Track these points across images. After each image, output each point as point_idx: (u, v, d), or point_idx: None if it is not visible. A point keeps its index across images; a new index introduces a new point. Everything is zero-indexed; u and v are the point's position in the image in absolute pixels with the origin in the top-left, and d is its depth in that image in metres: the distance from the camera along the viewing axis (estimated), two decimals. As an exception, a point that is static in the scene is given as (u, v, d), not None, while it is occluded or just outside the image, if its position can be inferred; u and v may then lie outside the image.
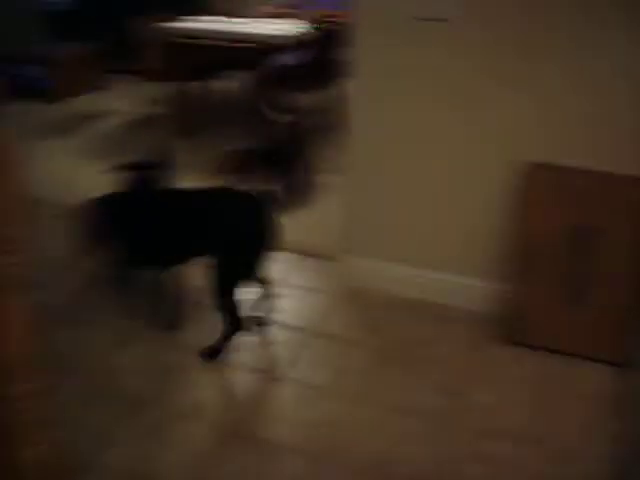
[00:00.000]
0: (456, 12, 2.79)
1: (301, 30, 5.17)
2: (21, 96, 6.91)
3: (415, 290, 3.26)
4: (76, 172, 4.84)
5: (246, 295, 2.86)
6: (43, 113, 6.22)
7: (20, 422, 1.49)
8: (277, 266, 3.57)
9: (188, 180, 3.11)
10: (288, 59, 5.71)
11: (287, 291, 3.35)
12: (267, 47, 5.00)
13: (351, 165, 3.24)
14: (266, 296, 3.04)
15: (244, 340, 2.92)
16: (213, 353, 2.81)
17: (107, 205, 2.83)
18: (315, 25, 5.44)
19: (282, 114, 4.67)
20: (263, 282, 2.98)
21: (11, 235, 1.37)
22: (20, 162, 1.34)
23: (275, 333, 3.01)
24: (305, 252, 3.71)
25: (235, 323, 2.72)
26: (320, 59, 5.18)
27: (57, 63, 6.70)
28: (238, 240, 2.66)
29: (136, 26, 5.68)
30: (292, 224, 4.00)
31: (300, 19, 5.66)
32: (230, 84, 6.44)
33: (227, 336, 2.76)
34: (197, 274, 3.09)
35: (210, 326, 2.90)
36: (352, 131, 3.19)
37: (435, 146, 3.03)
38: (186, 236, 2.73)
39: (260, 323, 3.03)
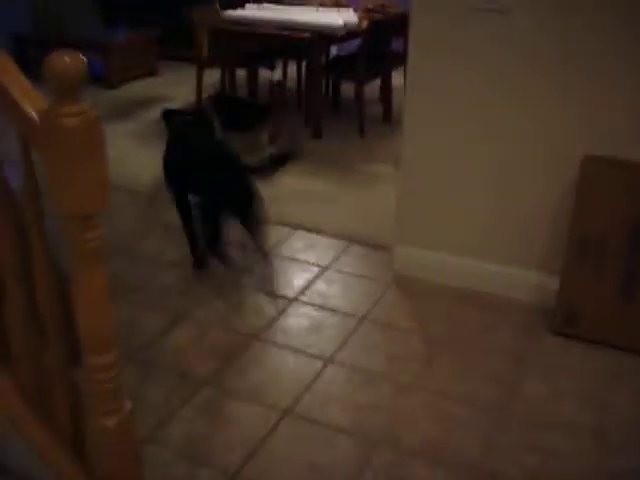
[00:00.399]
0: (509, 3, 2.78)
1: (353, 19, 5.15)
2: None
3: (466, 280, 3.26)
4: (130, 155, 4.92)
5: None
6: (98, 98, 6.29)
7: (103, 390, 1.54)
8: (325, 251, 3.60)
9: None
10: (340, 49, 5.72)
11: (336, 276, 3.37)
12: (319, 36, 5.00)
13: (404, 154, 3.25)
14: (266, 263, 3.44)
15: (294, 323, 2.96)
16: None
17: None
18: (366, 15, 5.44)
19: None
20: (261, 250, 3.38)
21: (95, 213, 1.41)
22: (104, 143, 1.38)
23: (325, 317, 3.03)
24: (355, 239, 3.73)
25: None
26: (373, 49, 5.17)
27: (112, 49, 6.79)
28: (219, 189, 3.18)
29: (190, 13, 5.72)
30: (342, 211, 4.06)
31: (352, 8, 5.64)
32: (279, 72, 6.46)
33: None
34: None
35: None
36: (406, 121, 3.19)
37: (490, 136, 3.03)
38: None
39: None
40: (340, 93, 5.95)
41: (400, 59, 5.81)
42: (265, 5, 5.63)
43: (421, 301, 3.19)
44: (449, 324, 3.00)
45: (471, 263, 3.24)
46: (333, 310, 3.09)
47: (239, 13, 5.40)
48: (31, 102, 1.43)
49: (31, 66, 7.11)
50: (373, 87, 5.78)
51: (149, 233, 3.81)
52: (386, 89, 5.70)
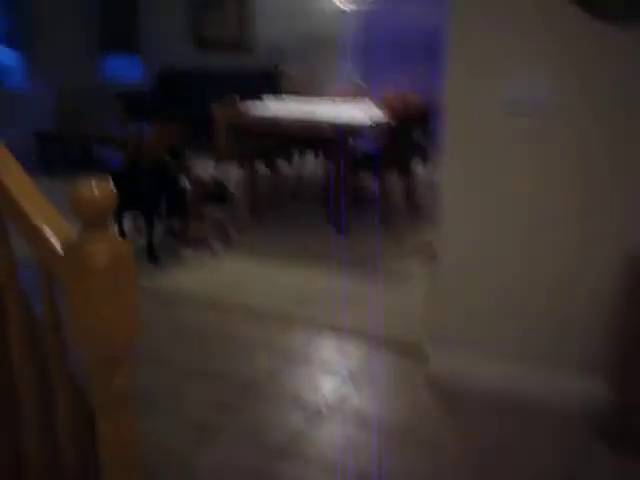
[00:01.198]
0: (544, 109, 2.70)
1: (374, 112, 5.12)
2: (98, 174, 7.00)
3: (502, 383, 3.06)
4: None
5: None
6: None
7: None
8: (355, 354, 3.43)
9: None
10: (362, 143, 5.68)
11: (366, 382, 3.19)
12: (344, 132, 4.95)
13: (438, 250, 3.11)
14: None
15: (324, 438, 2.77)
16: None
17: None
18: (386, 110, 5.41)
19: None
20: None
21: (122, 357, 1.28)
22: (135, 278, 1.25)
23: (357, 431, 2.84)
24: (385, 341, 3.56)
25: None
26: (396, 143, 5.11)
27: (129, 143, 6.79)
28: None
29: (210, 107, 5.73)
30: (371, 310, 3.92)
31: (373, 100, 5.63)
32: (300, 166, 6.42)
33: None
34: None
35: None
36: (441, 216, 3.07)
37: (527, 234, 2.89)
38: None
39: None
40: (363, 186, 5.88)
41: (421, 149, 5.78)
42: (285, 99, 5.62)
43: (453, 408, 2.99)
44: (483, 436, 2.79)
45: (507, 365, 3.05)
46: (365, 422, 2.90)
47: (259, 108, 5.39)
48: (55, 229, 1.31)
49: (51, 162, 7.25)
50: (395, 178, 5.71)
51: (178, 338, 3.67)
52: (409, 180, 5.63)
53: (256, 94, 6.44)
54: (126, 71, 9.75)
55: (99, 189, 1.18)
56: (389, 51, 7.76)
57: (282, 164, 6.07)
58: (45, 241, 1.28)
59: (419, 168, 5.72)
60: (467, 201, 2.99)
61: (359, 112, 5.08)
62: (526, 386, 3.02)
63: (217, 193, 5.02)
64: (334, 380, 3.21)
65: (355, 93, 5.93)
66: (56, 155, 7.63)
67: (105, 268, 1.19)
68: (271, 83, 8.05)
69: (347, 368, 3.31)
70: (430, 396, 3.09)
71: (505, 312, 3.03)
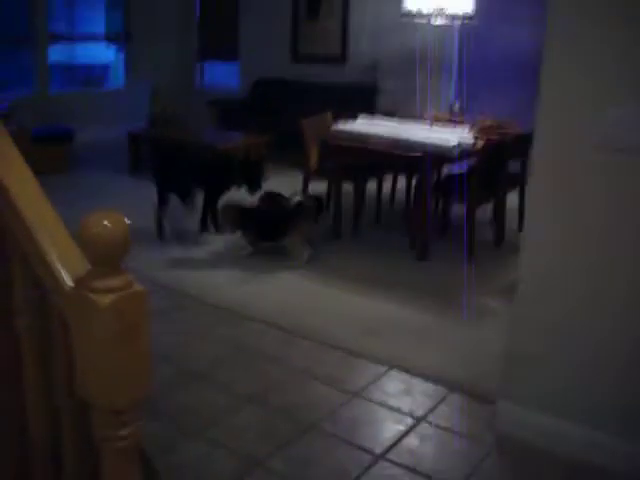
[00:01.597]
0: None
1: (468, 139, 4.87)
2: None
3: (581, 450, 2.78)
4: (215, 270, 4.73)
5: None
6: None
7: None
8: (421, 399, 3.21)
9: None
10: (452, 168, 5.44)
11: (430, 431, 2.96)
12: (431, 156, 4.73)
13: (520, 289, 2.85)
14: None
15: None
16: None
17: None
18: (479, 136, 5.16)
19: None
20: None
21: (129, 407, 1.12)
22: (146, 323, 1.09)
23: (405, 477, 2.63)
24: (455, 387, 3.31)
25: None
26: (487, 170, 4.85)
27: (222, 150, 6.75)
28: None
29: (302, 122, 5.61)
30: (443, 350, 3.68)
31: (466, 127, 5.37)
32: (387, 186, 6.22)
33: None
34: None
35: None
36: (525, 250, 2.82)
37: (624, 278, 2.61)
38: None
39: None
40: (449, 214, 5.62)
41: (516, 181, 5.49)
42: (376, 120, 5.44)
43: (525, 475, 2.74)
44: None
45: (589, 432, 2.76)
46: (425, 475, 2.68)
47: (350, 127, 5.22)
48: (66, 260, 1.17)
49: (142, 163, 7.31)
50: (485, 207, 5.43)
51: (227, 358, 3.54)
52: (499, 212, 5.34)
53: (351, 110, 6.27)
54: (222, 79, 9.81)
55: (112, 224, 1.03)
56: (490, 73, 7.48)
57: (371, 185, 5.88)
58: (53, 272, 1.14)
59: (511, 198, 5.42)
60: (552, 237, 2.73)
61: (451, 137, 4.84)
62: (608, 456, 2.73)
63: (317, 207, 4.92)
64: (395, 427, 2.99)
65: (453, 118, 5.68)
66: (146, 156, 7.68)
67: (110, 310, 1.04)
68: (366, 99, 7.89)
69: (411, 414, 3.08)
70: (497, 456, 2.84)
71: (589, 370, 2.75)
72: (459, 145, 4.73)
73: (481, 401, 3.19)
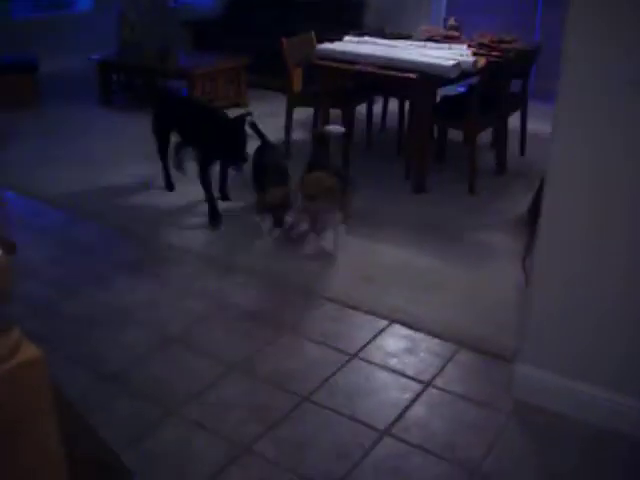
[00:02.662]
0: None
1: (468, 59, 4.37)
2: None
3: (609, 418, 2.43)
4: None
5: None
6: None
7: None
8: (427, 358, 2.84)
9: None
10: (450, 90, 4.95)
11: (438, 398, 2.61)
12: (428, 78, 4.24)
13: (542, 239, 2.45)
14: None
15: (384, 466, 2.22)
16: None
17: None
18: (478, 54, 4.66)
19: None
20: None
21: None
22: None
23: (424, 461, 2.28)
24: (464, 342, 2.94)
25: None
26: (489, 92, 4.38)
27: (197, 76, 6.21)
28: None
29: (282, 42, 5.08)
30: (449, 298, 3.30)
31: (463, 44, 4.86)
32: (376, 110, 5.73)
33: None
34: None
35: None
36: (546, 199, 2.41)
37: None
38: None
39: None
40: (446, 139, 5.15)
41: (518, 102, 5.02)
42: (366, 39, 4.90)
43: (547, 446, 2.39)
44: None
45: (615, 397, 2.41)
46: (436, 455, 2.33)
47: (336, 47, 4.70)
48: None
49: (112, 91, 6.76)
50: (485, 132, 4.98)
51: (208, 318, 3.15)
52: (501, 136, 4.89)
53: (335, 28, 5.74)
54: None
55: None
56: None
57: (360, 109, 5.38)
58: None
59: (512, 120, 4.96)
60: (578, 191, 2.31)
61: (449, 57, 4.34)
62: (632, 421, 2.39)
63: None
64: (399, 396, 2.63)
65: (448, 34, 5.14)
66: (118, 86, 7.12)
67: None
68: (352, 15, 7.30)
69: (417, 378, 2.72)
70: (514, 425, 2.49)
71: (612, 335, 2.38)
72: (458, 65, 4.23)
73: (494, 359, 2.83)
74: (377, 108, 5.66)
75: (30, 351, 0.68)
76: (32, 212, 4.36)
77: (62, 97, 7.08)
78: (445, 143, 5.15)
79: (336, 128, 4.20)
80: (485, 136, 5.03)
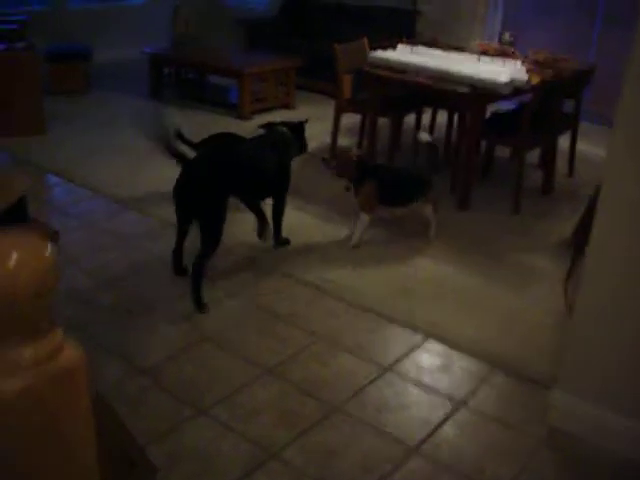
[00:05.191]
0: None
1: (522, 76, 4.32)
2: (213, 106, 6.56)
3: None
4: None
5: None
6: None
7: None
8: (461, 377, 2.80)
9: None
10: (503, 106, 4.89)
11: (470, 418, 2.57)
12: (480, 93, 4.20)
13: (589, 264, 2.40)
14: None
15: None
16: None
17: None
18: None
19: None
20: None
21: None
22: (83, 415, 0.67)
23: (443, 478, 2.25)
24: (500, 363, 2.90)
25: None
26: (541, 110, 4.31)
27: (247, 75, 6.22)
28: None
29: (335, 48, 5.07)
30: (486, 318, 3.25)
31: (518, 61, 4.79)
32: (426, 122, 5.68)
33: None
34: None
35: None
36: (600, 216, 2.35)
37: None
38: None
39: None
40: (493, 156, 5.09)
41: (569, 122, 4.94)
42: (419, 49, 4.87)
43: (579, 476, 2.35)
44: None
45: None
46: (465, 476, 2.30)
47: (389, 55, 4.68)
48: None
49: (162, 84, 6.81)
50: (535, 152, 4.91)
51: (241, 319, 3.15)
52: (550, 156, 4.81)
53: (387, 36, 5.71)
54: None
55: (19, 260, 0.59)
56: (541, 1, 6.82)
57: (408, 120, 5.35)
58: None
59: (562, 142, 4.88)
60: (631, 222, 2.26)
61: (503, 72, 4.29)
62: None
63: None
64: (431, 413, 2.60)
65: (503, 50, 5.08)
66: (169, 79, 7.17)
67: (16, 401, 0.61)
68: (404, 25, 7.24)
69: (449, 397, 2.69)
70: (548, 454, 2.44)
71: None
72: (512, 81, 4.18)
73: (529, 383, 2.79)
74: (425, 118, 5.61)
75: (72, 355, 0.67)
76: (74, 199, 4.41)
77: (113, 87, 7.17)
78: (492, 159, 5.09)
79: (425, 136, 4.04)
80: (532, 155, 4.95)
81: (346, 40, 5.23)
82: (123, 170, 4.86)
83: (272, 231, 3.81)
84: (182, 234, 3.39)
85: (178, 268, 3.46)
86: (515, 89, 4.26)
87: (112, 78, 7.50)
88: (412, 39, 5.67)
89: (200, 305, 3.17)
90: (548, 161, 4.83)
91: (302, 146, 3.94)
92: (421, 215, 4.01)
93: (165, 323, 3.08)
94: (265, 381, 2.71)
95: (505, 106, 5.06)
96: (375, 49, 4.87)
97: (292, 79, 6.65)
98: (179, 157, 3.17)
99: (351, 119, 5.53)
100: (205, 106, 6.60)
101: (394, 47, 4.93)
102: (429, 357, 2.94)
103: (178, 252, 3.44)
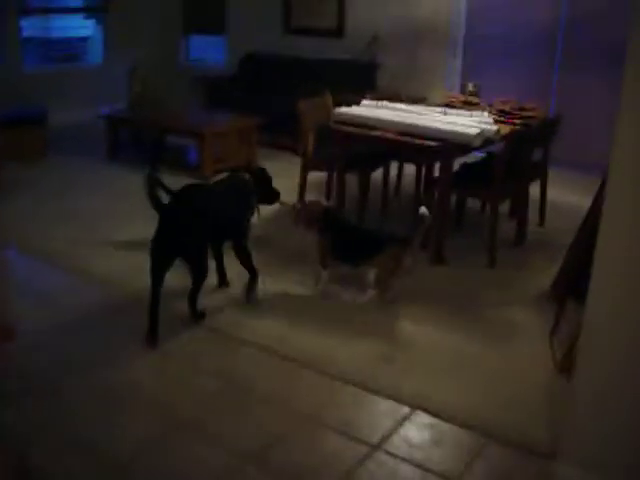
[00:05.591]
0: None
1: (490, 127, 4.25)
2: (172, 167, 6.38)
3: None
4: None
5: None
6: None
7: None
8: (453, 452, 2.63)
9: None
10: (469, 158, 4.82)
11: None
12: (450, 146, 4.11)
13: (588, 322, 2.26)
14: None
15: None
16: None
17: None
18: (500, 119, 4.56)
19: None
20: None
21: None
22: None
23: None
24: (493, 433, 2.73)
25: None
26: (511, 161, 4.23)
27: (207, 135, 6.07)
28: None
29: (299, 105, 4.97)
30: (473, 382, 3.09)
31: (484, 111, 4.75)
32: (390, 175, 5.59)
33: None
34: None
35: None
36: (595, 279, 2.23)
37: None
38: None
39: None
40: (464, 208, 5.00)
41: (539, 170, 4.89)
42: (384, 103, 4.79)
43: None
44: None
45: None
46: None
47: (354, 112, 4.59)
48: None
49: (120, 146, 6.63)
50: (505, 202, 4.82)
51: (216, 399, 2.93)
52: (522, 206, 4.73)
53: (348, 88, 5.65)
54: (208, 54, 9.08)
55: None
56: (499, 47, 6.83)
57: (375, 175, 5.24)
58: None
59: (533, 192, 4.82)
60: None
61: (471, 125, 4.22)
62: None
63: None
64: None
65: (467, 100, 5.04)
66: (128, 140, 7.00)
67: None
68: (365, 77, 7.22)
69: (444, 476, 2.50)
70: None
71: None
72: (482, 133, 4.11)
73: (526, 454, 2.62)
74: (392, 171, 5.52)
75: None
76: (33, 273, 4.19)
77: (70, 150, 7.00)
78: (463, 211, 4.99)
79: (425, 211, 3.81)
80: (503, 205, 4.86)
81: (306, 95, 5.15)
82: (84, 239, 4.64)
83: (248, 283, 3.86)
84: (160, 285, 3.37)
85: (154, 330, 3.36)
86: (485, 140, 4.18)
87: (69, 141, 7.33)
88: (374, 93, 5.62)
89: (197, 314, 3.54)
90: (520, 211, 4.75)
91: (272, 194, 3.99)
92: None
93: (135, 410, 2.86)
94: (247, 471, 2.50)
95: (471, 158, 4.98)
96: (338, 104, 4.78)
97: (253, 137, 6.53)
98: (156, 201, 3.25)
99: (317, 175, 5.41)
100: (164, 167, 6.42)
101: (357, 103, 4.84)
102: (419, 431, 2.75)
103: (155, 307, 3.36)
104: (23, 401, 2.84)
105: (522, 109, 4.84)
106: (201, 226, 3.40)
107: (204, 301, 3.61)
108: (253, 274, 3.85)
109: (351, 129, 4.46)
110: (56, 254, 4.38)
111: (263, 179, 3.96)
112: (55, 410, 2.82)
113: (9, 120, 6.51)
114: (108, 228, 4.81)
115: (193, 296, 3.50)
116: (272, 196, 4.00)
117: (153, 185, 3.23)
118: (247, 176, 3.87)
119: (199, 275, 3.44)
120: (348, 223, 4.10)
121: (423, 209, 3.77)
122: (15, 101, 7.08)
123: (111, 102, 7.17)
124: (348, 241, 3.86)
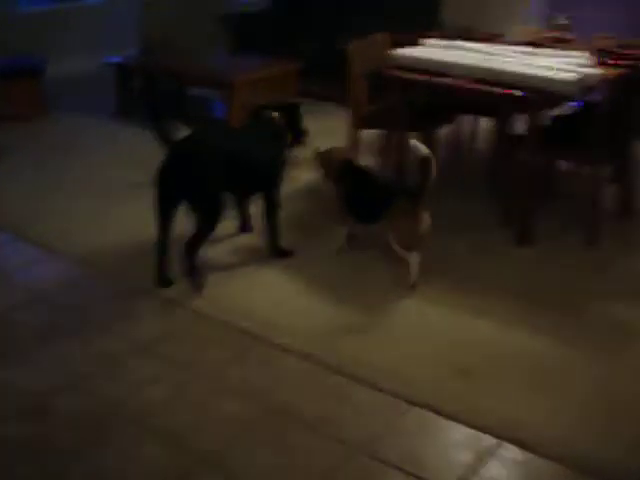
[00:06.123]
0: None
1: (593, 71, 3.93)
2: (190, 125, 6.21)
3: None
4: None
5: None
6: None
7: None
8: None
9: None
10: (563, 109, 4.49)
11: None
12: (542, 96, 3.82)
13: None
14: None
15: None
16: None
17: None
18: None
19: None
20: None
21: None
22: None
23: None
24: (598, 471, 2.44)
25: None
26: (610, 115, 3.90)
27: (236, 86, 5.85)
28: None
29: (348, 46, 4.70)
30: (575, 402, 2.78)
31: (578, 49, 4.41)
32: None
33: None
34: None
35: None
36: None
37: None
38: None
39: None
40: (554, 174, 4.70)
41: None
42: (457, 42, 4.50)
43: None
44: None
45: None
46: None
47: (419, 54, 4.34)
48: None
49: (131, 100, 6.48)
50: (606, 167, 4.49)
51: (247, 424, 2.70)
52: (627, 169, 4.39)
53: (406, 26, 5.37)
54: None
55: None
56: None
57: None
58: None
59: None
60: None
61: (569, 66, 3.91)
62: None
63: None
64: None
65: (559, 37, 4.73)
66: (140, 93, 6.83)
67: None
68: (426, 11, 6.98)
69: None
70: None
71: None
72: (583, 79, 3.79)
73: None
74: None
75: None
76: (26, 263, 4.02)
77: (73, 106, 6.96)
78: (551, 178, 4.68)
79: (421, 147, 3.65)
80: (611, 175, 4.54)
81: (356, 35, 4.89)
82: (87, 220, 4.47)
83: (268, 239, 3.88)
84: (167, 228, 3.45)
85: (164, 277, 3.53)
86: (580, 87, 3.87)
87: (70, 95, 7.28)
88: (441, 30, 5.36)
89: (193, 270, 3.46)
90: (625, 175, 4.41)
91: (299, 133, 4.09)
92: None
93: (145, 439, 2.65)
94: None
95: (563, 110, 4.65)
96: (398, 46, 4.55)
97: (292, 86, 6.34)
98: (165, 135, 3.35)
99: (370, 134, 5.15)
100: (183, 125, 6.29)
101: (421, 42, 4.62)
102: (507, 471, 2.47)
103: (163, 253, 3.50)
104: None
105: (627, 47, 4.50)
106: (215, 171, 3.42)
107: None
108: (275, 234, 3.86)
109: (413, 76, 4.23)
110: (52, 238, 4.26)
111: (295, 117, 4.05)
112: (52, 435, 2.63)
113: (1, 72, 6.42)
114: (114, 204, 4.63)
115: (191, 248, 3.43)
116: (298, 135, 4.07)
117: (162, 122, 3.34)
118: (276, 115, 3.92)
119: (204, 228, 3.42)
120: (364, 175, 3.95)
121: (414, 142, 3.68)
122: (9, 48, 7.03)
123: (119, 48, 7.02)
124: (359, 195, 3.84)
